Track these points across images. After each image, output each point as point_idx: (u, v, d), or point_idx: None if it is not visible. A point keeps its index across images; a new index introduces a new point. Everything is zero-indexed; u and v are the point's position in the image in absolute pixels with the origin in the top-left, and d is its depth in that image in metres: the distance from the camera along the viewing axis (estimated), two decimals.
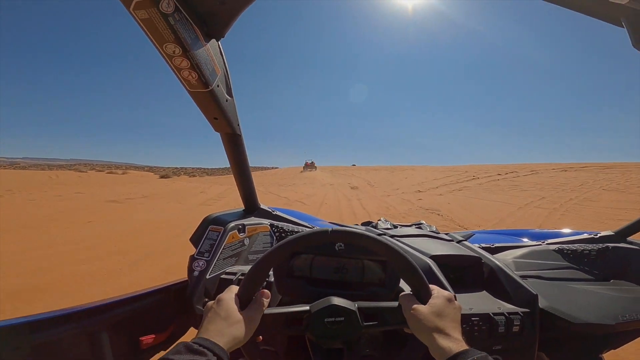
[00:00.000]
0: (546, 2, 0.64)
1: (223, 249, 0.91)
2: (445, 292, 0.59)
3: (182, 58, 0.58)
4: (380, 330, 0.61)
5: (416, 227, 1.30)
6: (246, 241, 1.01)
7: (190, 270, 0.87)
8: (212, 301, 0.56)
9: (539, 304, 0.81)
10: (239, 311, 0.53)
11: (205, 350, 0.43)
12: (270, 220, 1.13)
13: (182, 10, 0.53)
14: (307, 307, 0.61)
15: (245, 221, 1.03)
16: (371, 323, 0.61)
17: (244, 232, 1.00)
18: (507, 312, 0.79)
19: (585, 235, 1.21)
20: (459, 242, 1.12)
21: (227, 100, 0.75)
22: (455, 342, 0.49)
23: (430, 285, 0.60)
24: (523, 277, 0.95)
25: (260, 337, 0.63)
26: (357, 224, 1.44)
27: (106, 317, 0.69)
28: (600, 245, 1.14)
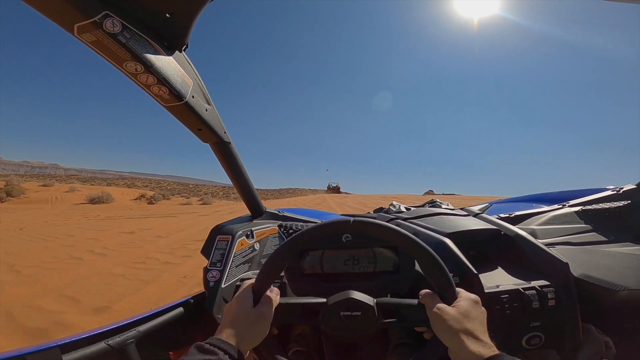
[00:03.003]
0: None
1: (234, 256, 0.92)
2: (472, 295, 0.56)
3: (147, 74, 0.57)
4: (399, 326, 0.60)
5: (430, 206, 1.25)
6: (256, 246, 1.02)
7: (206, 281, 0.89)
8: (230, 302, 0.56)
9: (573, 273, 0.75)
10: (252, 307, 0.53)
11: (216, 349, 0.43)
12: (278, 222, 1.12)
13: (132, 28, 0.52)
14: (324, 300, 0.60)
15: (252, 226, 1.03)
16: (389, 320, 0.58)
17: (252, 237, 1.01)
18: (538, 286, 0.73)
19: (608, 192, 1.12)
20: (475, 215, 1.07)
21: (206, 110, 0.75)
22: (485, 347, 0.46)
23: (457, 288, 0.57)
24: (549, 245, 0.90)
25: (276, 330, 0.62)
26: (369, 212, 1.40)
27: (132, 333, 0.72)
28: (626, 202, 1.05)
